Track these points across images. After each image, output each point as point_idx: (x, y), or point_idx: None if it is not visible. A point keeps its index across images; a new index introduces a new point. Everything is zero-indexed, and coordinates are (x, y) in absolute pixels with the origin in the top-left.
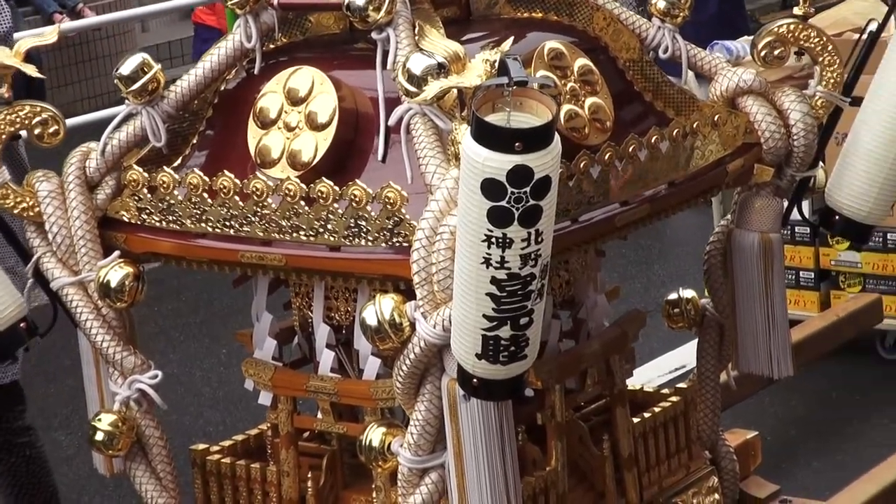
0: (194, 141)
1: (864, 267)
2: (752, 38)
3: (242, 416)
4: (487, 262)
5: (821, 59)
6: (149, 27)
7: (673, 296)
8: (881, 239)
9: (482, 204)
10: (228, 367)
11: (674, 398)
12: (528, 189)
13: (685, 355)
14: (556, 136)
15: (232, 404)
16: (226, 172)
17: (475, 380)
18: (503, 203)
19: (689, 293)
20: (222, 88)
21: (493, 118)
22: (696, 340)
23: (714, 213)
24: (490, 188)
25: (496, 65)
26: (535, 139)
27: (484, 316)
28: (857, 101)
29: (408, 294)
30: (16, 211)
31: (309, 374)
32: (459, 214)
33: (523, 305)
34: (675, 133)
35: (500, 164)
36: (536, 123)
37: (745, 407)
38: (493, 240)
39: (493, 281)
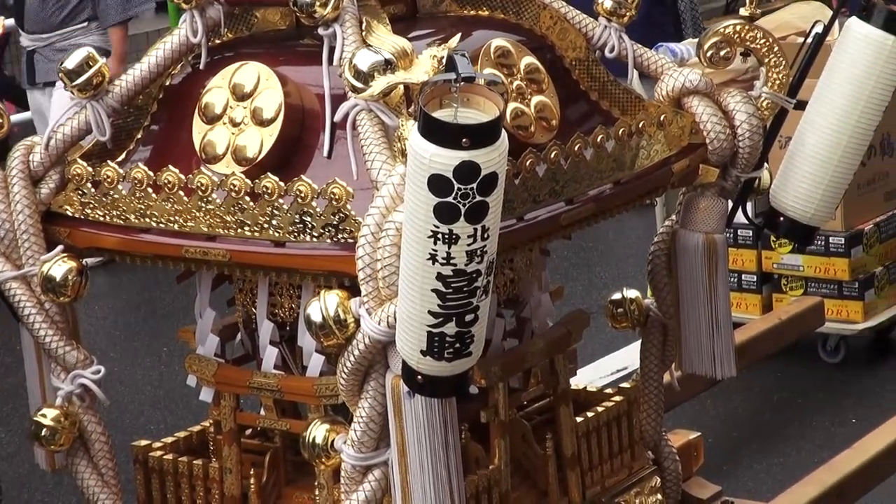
0: (139, 136)
1: (806, 270)
2: (696, 40)
3: (183, 414)
4: (433, 258)
5: (766, 60)
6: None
7: (617, 296)
8: (823, 243)
9: (429, 200)
10: (170, 366)
11: (617, 398)
12: (474, 185)
13: (626, 357)
14: (504, 133)
15: (173, 403)
16: (170, 167)
17: (420, 376)
18: (450, 199)
19: (632, 293)
20: (167, 83)
21: (441, 114)
22: (637, 343)
23: (657, 215)
24: (437, 184)
25: (443, 61)
26: (482, 135)
27: (429, 312)
28: (801, 105)
29: (353, 290)
30: None
31: (252, 370)
32: (406, 210)
33: (469, 302)
34: (620, 132)
35: (447, 160)
36: (484, 119)
37: (688, 408)
38: (440, 236)
39: (439, 277)
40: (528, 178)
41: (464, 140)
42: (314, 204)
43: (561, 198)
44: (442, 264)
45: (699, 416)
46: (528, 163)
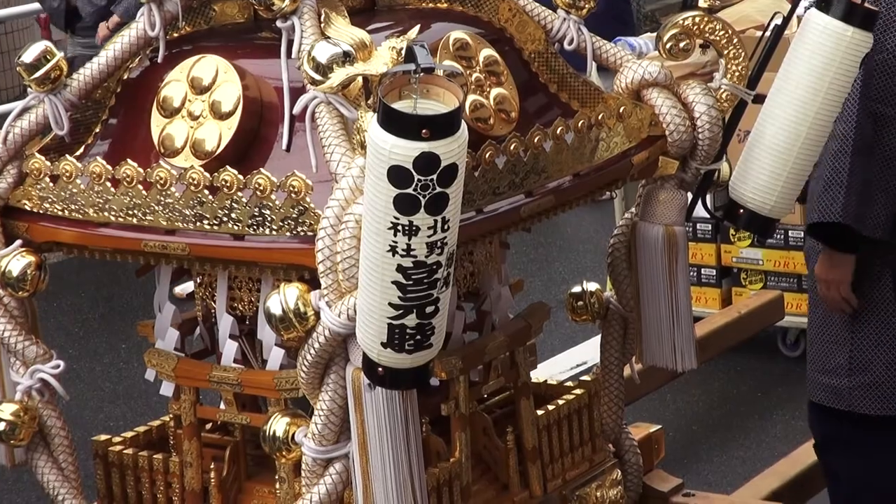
0: (97, 130)
1: (765, 264)
2: (655, 34)
3: (143, 410)
4: (393, 250)
5: (726, 52)
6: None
7: (577, 289)
8: (783, 236)
9: (388, 191)
10: (129, 363)
11: (578, 391)
12: (434, 176)
13: (586, 352)
14: (464, 124)
15: (132, 399)
16: (129, 161)
17: (380, 368)
18: (409, 190)
19: (592, 286)
20: (125, 77)
21: (400, 105)
22: (596, 338)
23: (616, 207)
24: (397, 175)
25: (403, 52)
26: (442, 126)
27: (390, 304)
28: (760, 99)
29: (313, 283)
30: None
31: (212, 364)
32: (365, 202)
33: (429, 294)
34: (580, 124)
35: (406, 151)
36: (443, 110)
37: (648, 402)
38: (400, 227)
39: (399, 269)
40: (488, 170)
41: (423, 131)
42: (273, 197)
43: (521, 190)
44: (402, 256)
45: (660, 410)
46: (487, 155)
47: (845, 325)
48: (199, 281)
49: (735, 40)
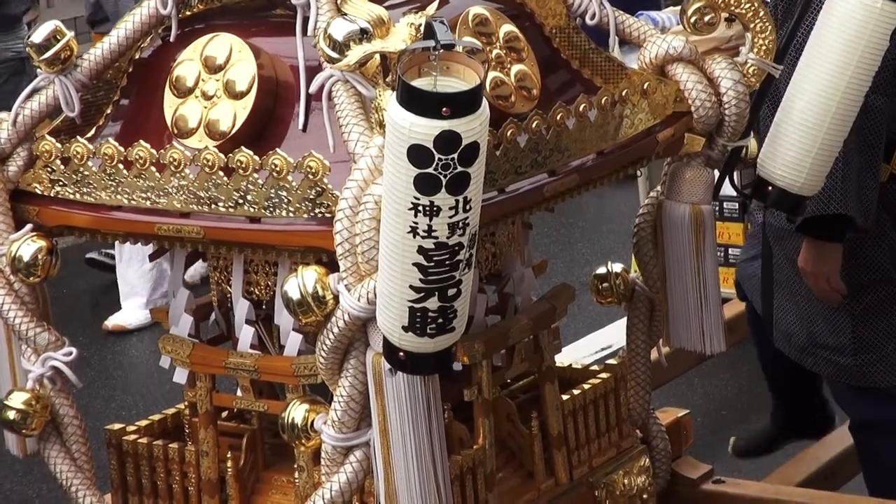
0: (109, 111)
1: None
2: (678, 8)
3: (155, 399)
4: (414, 231)
5: (752, 25)
6: (53, 2)
7: (601, 270)
8: None
9: (409, 171)
10: (140, 350)
11: (603, 375)
12: (455, 155)
13: (610, 335)
14: (485, 101)
15: (144, 388)
16: (142, 142)
17: (402, 353)
18: (430, 170)
19: (617, 267)
20: (137, 57)
21: (420, 83)
22: (620, 321)
23: (640, 187)
24: (417, 155)
25: (421, 28)
26: (462, 104)
27: (411, 287)
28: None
29: (331, 266)
30: None
31: (228, 350)
32: (385, 183)
33: (451, 276)
34: (603, 101)
35: (427, 129)
36: (464, 88)
37: (676, 387)
38: (420, 208)
39: (420, 251)
40: (510, 149)
41: (444, 109)
42: (290, 178)
43: (543, 169)
44: (423, 237)
45: (687, 394)
46: (509, 133)
47: (843, 306)
48: (214, 265)
49: (762, 13)
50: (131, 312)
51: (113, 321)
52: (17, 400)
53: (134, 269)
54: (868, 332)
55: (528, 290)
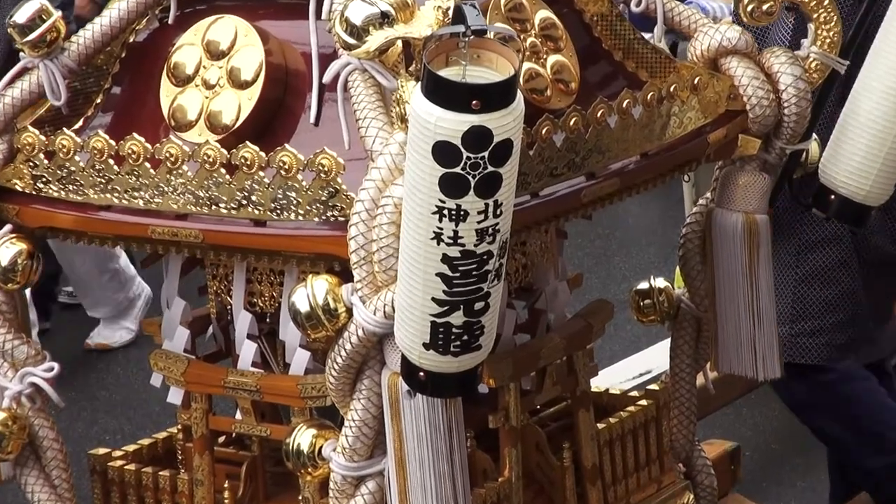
0: (98, 100)
1: None
2: None
3: (143, 423)
4: (438, 237)
5: (815, 15)
6: None
7: (643, 285)
8: None
9: (433, 171)
10: (127, 367)
11: (644, 402)
12: (486, 154)
13: (652, 358)
14: (520, 95)
15: (131, 410)
16: (135, 136)
17: (422, 373)
18: (457, 170)
19: (661, 282)
20: (131, 41)
21: (447, 73)
22: (663, 342)
23: (685, 194)
24: (443, 153)
25: (450, 12)
26: (494, 96)
27: (433, 300)
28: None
29: (344, 276)
30: None
31: (227, 368)
32: (406, 184)
33: (479, 288)
34: (649, 97)
35: (454, 124)
36: (497, 79)
37: (723, 416)
38: (446, 212)
39: (445, 259)
40: (545, 149)
41: (474, 102)
42: (300, 177)
43: (581, 171)
44: (448, 244)
45: (736, 425)
46: (544, 131)
47: (788, 266)
48: (213, 273)
49: (826, 2)
50: (112, 330)
51: (95, 339)
52: None
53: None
54: (809, 299)
55: (562, 305)
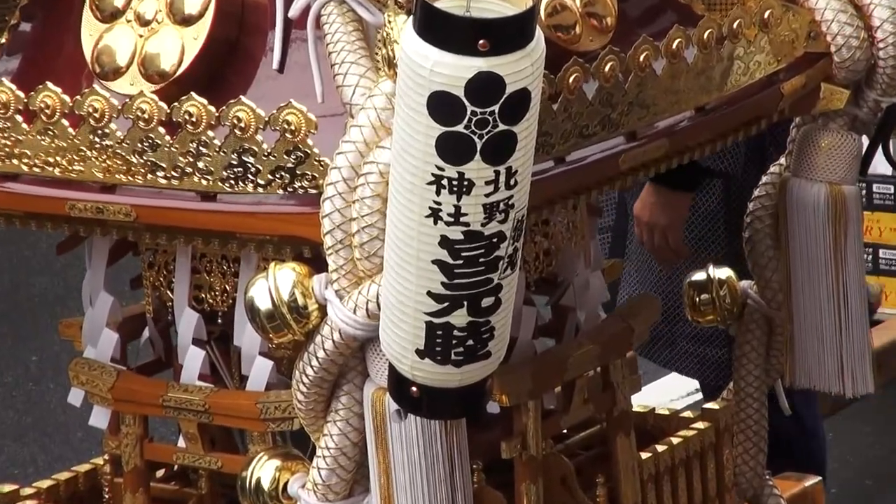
0: (3, 40)
1: None
2: None
3: (61, 452)
4: (436, 214)
5: None
6: None
7: (699, 276)
8: None
9: (429, 129)
10: (40, 382)
11: (700, 425)
12: (496, 108)
13: None
14: (539, 33)
15: (46, 436)
16: (49, 85)
17: (414, 388)
18: (460, 128)
19: (722, 273)
20: None
21: (447, 4)
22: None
23: None
24: (441, 106)
25: None
26: (507, 35)
27: (429, 294)
28: None
29: (316, 265)
30: None
31: (168, 382)
32: (394, 146)
33: (487, 279)
34: (706, 36)
35: (456, 70)
36: (509, 12)
37: None
38: (445, 182)
39: (444, 242)
40: (573, 102)
41: (480, 41)
42: (259, 138)
43: (619, 131)
44: (448, 224)
45: None
46: (571, 79)
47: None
48: (149, 260)
49: None
50: None
51: None
52: None
53: None
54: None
55: (595, 301)
